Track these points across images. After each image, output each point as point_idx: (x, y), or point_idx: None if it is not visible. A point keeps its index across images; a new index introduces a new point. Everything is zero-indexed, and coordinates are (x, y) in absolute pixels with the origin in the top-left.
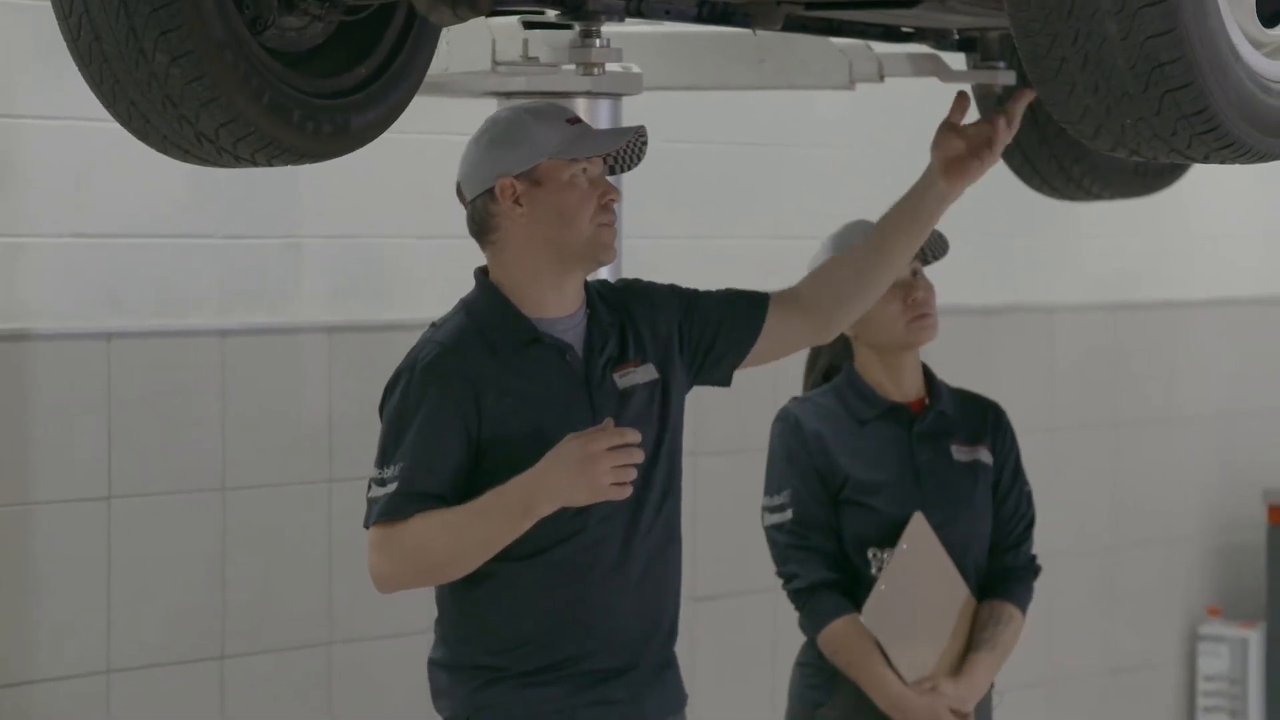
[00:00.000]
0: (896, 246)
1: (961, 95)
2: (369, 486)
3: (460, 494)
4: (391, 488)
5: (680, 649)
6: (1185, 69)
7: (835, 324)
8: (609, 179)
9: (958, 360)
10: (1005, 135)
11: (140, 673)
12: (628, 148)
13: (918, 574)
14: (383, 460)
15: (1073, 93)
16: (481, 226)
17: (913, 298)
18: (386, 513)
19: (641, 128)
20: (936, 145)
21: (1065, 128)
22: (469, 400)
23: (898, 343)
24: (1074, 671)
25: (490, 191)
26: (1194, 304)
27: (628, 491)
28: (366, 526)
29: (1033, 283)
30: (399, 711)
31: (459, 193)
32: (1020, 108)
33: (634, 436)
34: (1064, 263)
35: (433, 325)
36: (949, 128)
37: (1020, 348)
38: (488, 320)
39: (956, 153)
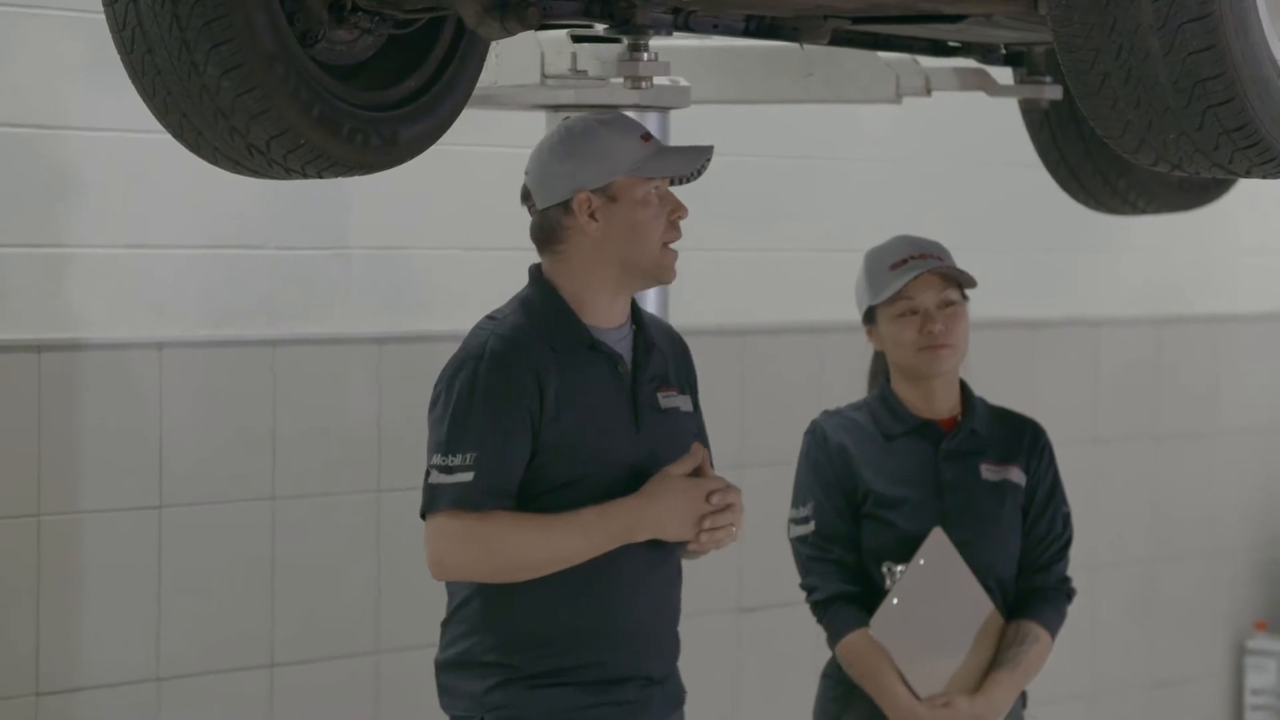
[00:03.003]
0: None
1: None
2: (428, 473)
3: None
4: (464, 477)
5: (726, 659)
6: (1227, 84)
7: None
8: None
9: (1002, 373)
10: None
11: (189, 681)
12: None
13: (934, 589)
14: (448, 447)
15: (1115, 107)
16: (549, 235)
17: (928, 329)
18: (462, 502)
19: (711, 148)
20: None
21: (1108, 142)
22: (534, 396)
23: (909, 367)
24: (1117, 685)
25: (565, 204)
26: (1239, 318)
27: (718, 543)
28: (429, 511)
29: (1078, 296)
30: None
31: (526, 198)
32: None
33: (736, 495)
34: (1109, 276)
35: (489, 317)
36: None
37: (1065, 361)
38: (546, 322)
39: None
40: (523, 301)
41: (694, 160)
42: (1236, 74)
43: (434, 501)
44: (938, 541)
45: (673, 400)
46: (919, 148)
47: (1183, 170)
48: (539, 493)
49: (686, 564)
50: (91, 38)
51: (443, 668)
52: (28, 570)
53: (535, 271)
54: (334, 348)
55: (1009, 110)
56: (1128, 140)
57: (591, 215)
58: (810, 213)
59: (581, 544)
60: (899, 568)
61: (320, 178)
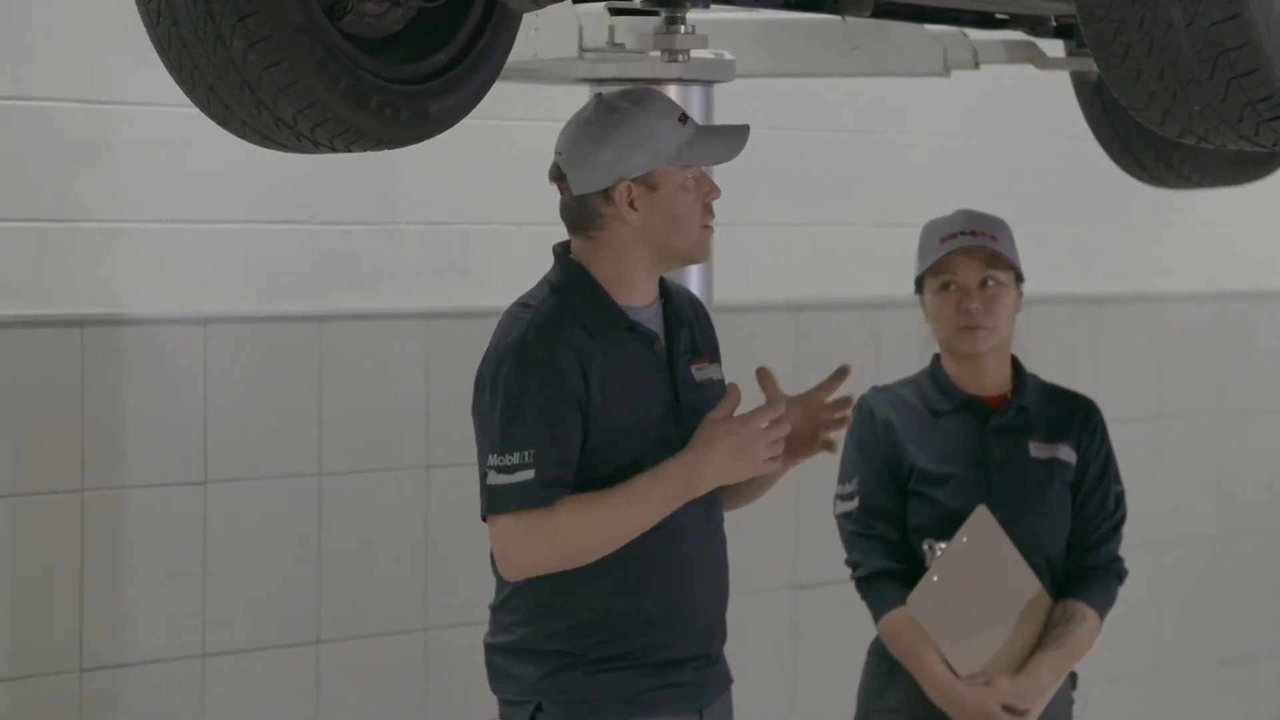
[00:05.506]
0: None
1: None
2: (485, 474)
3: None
4: (525, 475)
5: (782, 636)
6: (1251, 54)
7: None
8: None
9: (1065, 349)
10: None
11: (235, 657)
12: None
13: (976, 567)
14: (504, 446)
15: (1139, 79)
16: (585, 221)
17: (965, 307)
18: (528, 501)
19: (747, 128)
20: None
21: (1133, 115)
22: (579, 383)
23: (947, 343)
24: (1183, 662)
25: (605, 191)
26: None
27: (779, 465)
28: (493, 513)
29: (1142, 271)
30: (494, 698)
31: (559, 178)
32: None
33: (782, 409)
34: (1172, 251)
35: (521, 305)
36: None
37: (1128, 336)
38: (580, 304)
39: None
40: (554, 286)
41: (735, 144)
42: (1261, 44)
43: (499, 503)
44: (982, 519)
45: (705, 372)
46: (976, 121)
47: (1208, 142)
48: (592, 481)
49: (738, 541)
50: (132, 11)
51: (494, 650)
52: (72, 546)
53: (563, 253)
54: (381, 323)
55: (1067, 83)
56: (1152, 112)
57: (631, 204)
58: (865, 187)
59: (644, 512)
60: (941, 545)
61: (349, 152)
